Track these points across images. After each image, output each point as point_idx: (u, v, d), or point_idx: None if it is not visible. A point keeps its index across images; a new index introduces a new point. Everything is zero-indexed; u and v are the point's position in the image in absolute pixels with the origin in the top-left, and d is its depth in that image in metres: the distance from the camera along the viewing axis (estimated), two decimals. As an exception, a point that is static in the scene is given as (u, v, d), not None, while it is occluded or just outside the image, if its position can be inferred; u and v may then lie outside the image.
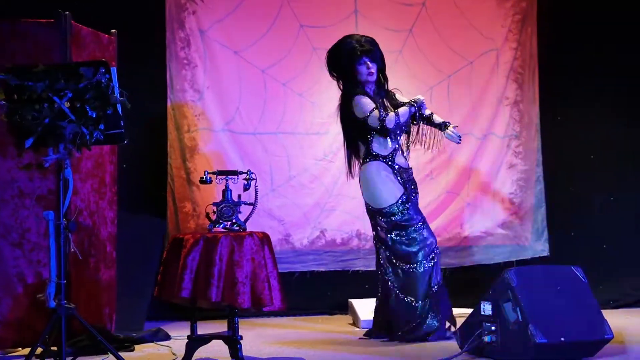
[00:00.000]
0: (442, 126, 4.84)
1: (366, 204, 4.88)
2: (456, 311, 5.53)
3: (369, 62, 4.79)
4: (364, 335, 4.86)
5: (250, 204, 4.22)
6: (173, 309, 5.07)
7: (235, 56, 5.74)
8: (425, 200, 5.91)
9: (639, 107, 6.23)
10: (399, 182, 4.77)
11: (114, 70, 3.71)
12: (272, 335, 4.96)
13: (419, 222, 4.77)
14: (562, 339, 3.84)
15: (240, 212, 4.19)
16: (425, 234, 4.76)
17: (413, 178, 4.86)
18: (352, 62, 4.79)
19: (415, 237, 4.74)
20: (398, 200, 4.75)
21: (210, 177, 4.26)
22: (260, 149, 5.78)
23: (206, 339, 4.11)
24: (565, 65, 6.09)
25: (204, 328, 4.28)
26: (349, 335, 4.95)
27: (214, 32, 5.71)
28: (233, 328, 4.02)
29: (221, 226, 4.16)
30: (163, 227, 5.53)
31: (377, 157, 4.78)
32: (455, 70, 5.98)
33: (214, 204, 4.19)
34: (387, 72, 5.94)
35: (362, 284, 5.80)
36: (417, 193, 4.87)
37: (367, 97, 4.80)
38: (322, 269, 5.82)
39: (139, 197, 5.44)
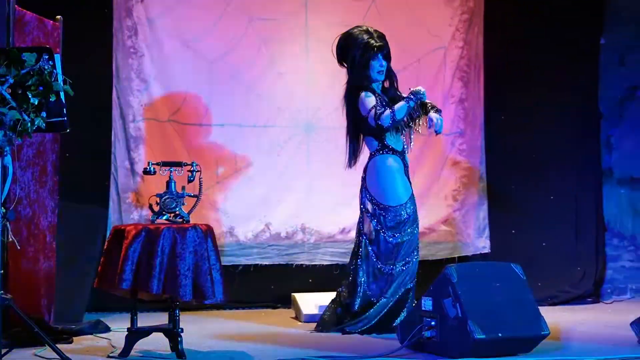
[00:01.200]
0: (429, 108, 4.77)
1: (369, 197, 4.83)
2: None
3: (382, 59, 4.80)
4: (315, 329, 4.87)
5: (194, 196, 4.19)
6: (114, 300, 5.00)
7: (183, 46, 5.69)
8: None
9: (583, 108, 6.37)
10: (408, 181, 4.84)
11: (57, 57, 3.65)
12: (214, 328, 4.94)
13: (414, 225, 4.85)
14: (500, 334, 3.91)
15: (184, 204, 4.16)
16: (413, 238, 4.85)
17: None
18: (366, 56, 4.78)
19: (407, 238, 4.82)
20: (407, 201, 4.80)
21: (153, 168, 4.22)
22: (206, 140, 5.74)
23: (146, 331, 4.08)
24: (511, 64, 6.19)
25: (144, 320, 4.25)
26: (291, 329, 4.96)
27: (163, 21, 5.65)
28: (174, 320, 4.00)
29: (164, 217, 4.13)
30: (105, 217, 5.46)
31: (393, 151, 4.79)
32: (403, 66, 6.00)
33: (157, 195, 4.15)
34: (336, 67, 5.98)
35: (305, 278, 5.82)
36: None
37: (371, 96, 4.80)
38: (266, 262, 5.81)
39: (81, 187, 5.36)
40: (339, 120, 5.95)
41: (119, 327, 4.64)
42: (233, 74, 5.78)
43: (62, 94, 3.66)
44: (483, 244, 6.13)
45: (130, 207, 5.57)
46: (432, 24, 6.05)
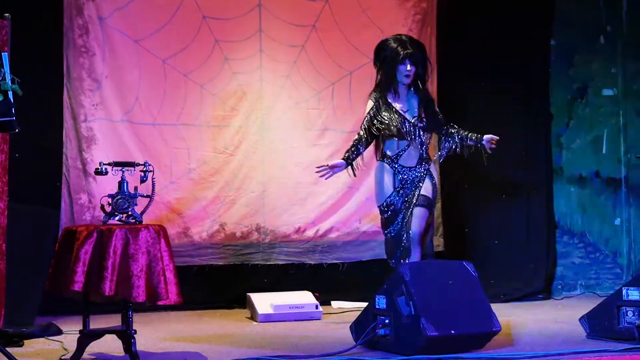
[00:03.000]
0: (478, 143, 4.98)
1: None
2: (353, 305, 5.64)
3: (409, 64, 4.89)
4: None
5: (147, 196, 4.15)
6: (66, 302, 4.93)
7: (135, 45, 5.64)
8: (325, 195, 5.98)
9: (533, 109, 6.47)
10: (397, 181, 4.90)
11: (5, 55, 3.59)
12: (168, 329, 4.91)
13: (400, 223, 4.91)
14: (452, 331, 3.95)
15: (136, 205, 4.12)
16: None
17: (421, 176, 4.90)
18: (394, 60, 4.89)
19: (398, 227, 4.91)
20: (385, 201, 4.91)
21: (105, 168, 4.16)
22: (160, 140, 5.70)
23: (99, 333, 4.03)
24: (463, 65, 6.25)
25: (97, 322, 4.20)
26: (247, 329, 4.95)
27: (114, 20, 5.60)
28: (127, 322, 3.96)
29: (116, 218, 4.08)
30: (57, 219, 5.39)
31: (384, 157, 4.95)
32: (357, 67, 6.04)
33: (109, 195, 4.10)
34: (290, 67, 5.98)
35: (261, 278, 5.81)
36: (418, 194, 4.89)
37: (373, 101, 4.95)
38: (221, 262, 5.79)
39: (31, 188, 5.28)
40: (293, 120, 5.98)
41: (71, 329, 4.58)
42: (186, 73, 5.75)
43: (10, 94, 3.60)
44: (437, 243, 6.17)
45: (82, 208, 5.50)
46: (386, 25, 6.09)
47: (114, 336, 4.02)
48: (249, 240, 5.86)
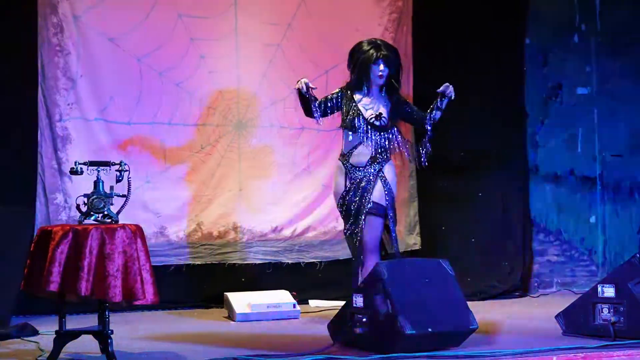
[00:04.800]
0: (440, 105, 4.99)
1: None
2: (330, 304, 5.65)
3: (382, 64, 4.92)
4: None
5: (122, 196, 4.13)
6: (42, 302, 4.90)
7: (110, 43, 5.60)
8: (302, 194, 5.98)
9: (508, 107, 6.51)
10: (347, 180, 4.91)
11: (-22, 54, 3.56)
12: (145, 329, 4.89)
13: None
14: (430, 329, 3.97)
15: (112, 204, 4.10)
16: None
17: (369, 178, 4.89)
18: (366, 60, 4.93)
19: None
20: (338, 201, 4.94)
21: (81, 168, 4.14)
22: (136, 139, 5.66)
23: (75, 333, 4.01)
24: (438, 64, 6.28)
25: (73, 322, 4.18)
26: (224, 329, 4.94)
27: (89, 18, 5.55)
28: (103, 322, 3.94)
29: (92, 218, 4.06)
30: (32, 218, 5.33)
31: (340, 155, 4.99)
32: (333, 65, 6.04)
33: (85, 195, 4.08)
34: (266, 66, 5.97)
35: (238, 277, 5.80)
36: (368, 190, 4.88)
37: (338, 90, 5.00)
38: (198, 262, 5.77)
39: (6, 188, 5.22)
40: (269, 119, 5.98)
41: (47, 330, 4.55)
42: (162, 72, 5.72)
43: (-16, 93, 3.56)
44: (413, 241, 6.21)
45: (58, 208, 5.46)
46: (361, 23, 6.09)
47: (90, 336, 4.00)
48: (225, 239, 5.84)
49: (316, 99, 4.94)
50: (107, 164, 4.16)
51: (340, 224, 6.05)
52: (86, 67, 5.56)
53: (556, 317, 4.55)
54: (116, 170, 4.14)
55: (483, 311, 5.11)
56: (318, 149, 6.04)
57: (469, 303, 4.27)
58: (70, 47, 5.52)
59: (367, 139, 4.92)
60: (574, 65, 6.70)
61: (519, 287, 6.34)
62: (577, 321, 4.43)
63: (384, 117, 4.95)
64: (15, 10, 5.35)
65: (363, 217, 4.85)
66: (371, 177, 4.90)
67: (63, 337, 3.94)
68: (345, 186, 4.92)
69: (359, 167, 4.92)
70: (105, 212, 4.06)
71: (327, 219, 6.04)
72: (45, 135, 5.47)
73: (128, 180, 4.15)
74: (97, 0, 5.58)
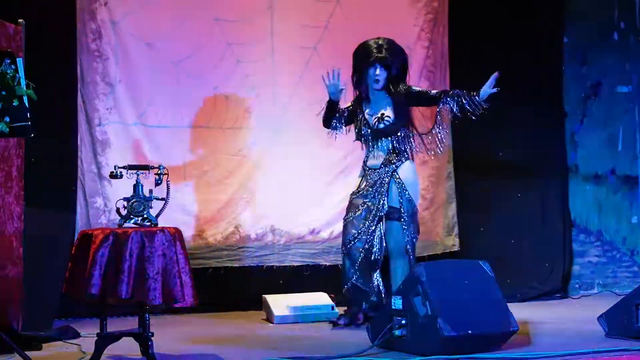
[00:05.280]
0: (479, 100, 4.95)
1: None
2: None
3: (379, 68, 4.95)
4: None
5: (161, 199, 4.16)
6: (83, 305, 4.96)
7: (147, 48, 5.65)
8: (339, 196, 5.97)
9: (547, 107, 6.44)
10: (364, 182, 5.01)
11: (20, 61, 3.62)
12: (185, 331, 4.92)
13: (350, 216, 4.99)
14: (470, 331, 3.93)
15: (151, 207, 4.13)
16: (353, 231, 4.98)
17: (383, 179, 4.94)
18: (363, 64, 5.00)
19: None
20: (350, 195, 5.06)
21: (120, 172, 4.18)
22: (173, 143, 5.71)
23: (116, 336, 4.04)
24: (476, 64, 6.23)
25: (114, 325, 4.22)
26: (263, 331, 4.96)
27: (127, 23, 5.61)
28: (144, 325, 3.97)
29: (132, 221, 4.10)
30: (73, 222, 5.41)
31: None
32: (369, 67, 6.03)
33: (125, 198, 4.12)
34: (302, 69, 5.98)
35: (276, 280, 5.81)
36: (381, 194, 4.93)
37: (348, 107, 5.11)
38: (236, 264, 5.80)
39: (47, 192, 5.29)
40: (306, 122, 5.97)
41: (88, 332, 4.59)
42: (199, 76, 5.76)
43: (25, 99, 3.62)
44: (452, 242, 6.17)
45: (98, 212, 5.52)
46: (397, 25, 6.07)
47: (131, 339, 4.03)
48: (263, 242, 5.86)
49: (341, 111, 5.06)
50: (146, 167, 4.20)
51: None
52: (124, 72, 5.62)
53: (598, 318, 4.48)
54: (155, 174, 4.18)
55: (523, 313, 5.06)
56: (355, 150, 5.99)
57: (509, 304, 4.23)
58: (109, 52, 5.58)
59: (376, 146, 4.97)
60: (614, 63, 6.61)
61: (560, 289, 6.27)
62: (620, 323, 4.36)
63: (387, 116, 4.95)
64: (54, 17, 5.42)
65: (383, 224, 4.89)
66: (385, 179, 4.94)
67: (104, 339, 3.98)
68: (360, 187, 5.01)
69: (375, 170, 4.99)
70: (145, 216, 4.09)
71: (364, 221, 6.02)
72: (84, 140, 5.54)
73: (167, 184, 4.18)
74: (135, 6, 5.63)
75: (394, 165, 4.95)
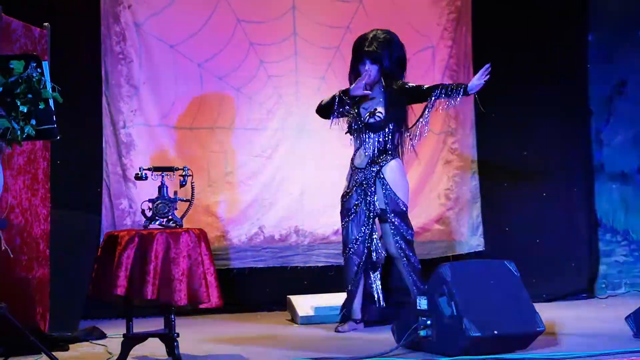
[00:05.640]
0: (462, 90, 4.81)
1: None
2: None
3: (368, 64, 4.91)
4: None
5: (186, 201, 4.18)
6: (109, 306, 4.99)
7: (171, 50, 5.68)
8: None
9: (572, 105, 6.39)
10: (350, 182, 4.97)
11: (45, 64, 3.64)
12: (210, 332, 4.94)
13: (346, 220, 4.96)
14: (496, 332, 3.91)
15: (176, 209, 4.16)
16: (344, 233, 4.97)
17: (369, 179, 4.91)
18: (354, 60, 4.98)
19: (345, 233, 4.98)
20: (340, 199, 4.99)
21: (145, 173, 4.21)
22: (197, 144, 5.73)
23: (142, 337, 4.06)
24: (500, 63, 6.17)
25: (140, 325, 4.24)
26: (287, 331, 4.96)
27: (150, 25, 5.65)
28: (169, 325, 3.99)
29: (157, 223, 4.12)
30: (98, 224, 5.44)
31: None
32: (393, 67, 6.02)
33: (150, 200, 4.14)
34: (325, 69, 5.97)
35: (300, 280, 5.81)
36: (368, 194, 4.90)
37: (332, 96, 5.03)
38: (260, 265, 5.81)
39: (73, 194, 5.35)
40: (329, 122, 5.96)
41: (114, 333, 4.63)
42: (222, 77, 5.78)
43: (51, 102, 3.65)
44: (477, 242, 6.14)
45: (123, 213, 5.55)
46: (420, 24, 6.06)
47: (157, 339, 4.05)
48: (287, 242, 5.87)
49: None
50: (170, 169, 4.23)
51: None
52: (148, 73, 5.65)
53: (626, 318, 4.43)
54: (180, 176, 4.20)
55: (549, 313, 5.02)
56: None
57: (535, 304, 4.19)
58: (133, 54, 5.62)
59: (364, 141, 4.93)
60: (640, 60, 6.54)
61: (586, 289, 6.22)
62: (648, 323, 4.32)
63: (379, 112, 4.91)
64: (79, 20, 5.47)
65: (377, 227, 4.89)
66: (371, 179, 4.91)
67: (130, 340, 4.01)
68: (348, 187, 4.97)
69: (360, 169, 4.95)
70: (170, 217, 4.11)
71: (388, 221, 6.01)
72: (109, 142, 5.57)
73: (191, 185, 4.20)
74: (158, 7, 5.67)
75: (378, 165, 4.91)
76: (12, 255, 3.91)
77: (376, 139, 4.92)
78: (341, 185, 5.95)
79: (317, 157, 5.92)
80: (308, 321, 5.16)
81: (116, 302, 4.12)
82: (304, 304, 5.29)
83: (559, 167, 6.29)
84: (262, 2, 5.87)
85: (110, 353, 4.23)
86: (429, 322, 4.02)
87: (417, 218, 6.06)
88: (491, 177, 6.16)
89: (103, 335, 4.68)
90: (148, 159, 5.45)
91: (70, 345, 4.42)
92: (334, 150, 5.94)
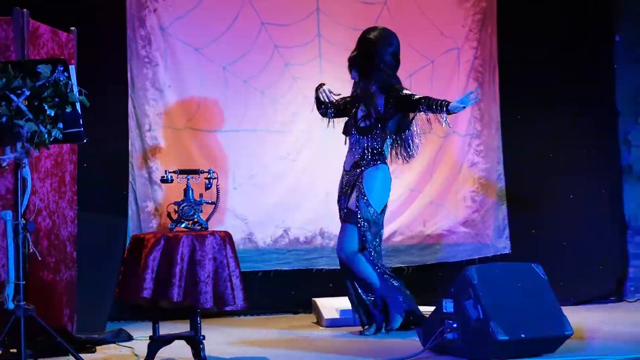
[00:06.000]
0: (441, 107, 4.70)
1: None
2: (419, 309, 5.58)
3: (354, 72, 5.00)
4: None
5: (212, 203, 4.20)
6: (135, 309, 5.02)
7: (196, 53, 5.70)
8: (389, 199, 5.94)
9: (599, 105, 6.33)
10: (339, 185, 5.01)
11: (72, 68, 3.68)
12: (236, 334, 4.94)
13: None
14: (523, 335, 3.88)
15: (202, 211, 4.17)
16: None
17: (352, 183, 4.90)
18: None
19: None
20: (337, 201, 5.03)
21: (171, 176, 4.23)
22: (222, 147, 5.74)
23: (168, 339, 4.08)
24: (526, 64, 6.16)
25: (166, 328, 4.26)
26: (313, 334, 4.95)
27: (175, 29, 5.67)
28: (195, 328, 4.00)
29: (183, 225, 4.14)
30: (124, 226, 5.48)
31: None
32: (417, 69, 6.01)
33: (175, 203, 4.16)
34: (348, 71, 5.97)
35: (325, 283, 5.80)
36: (349, 195, 4.90)
37: (346, 97, 5.08)
38: (285, 267, 5.81)
39: (99, 197, 5.38)
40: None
41: (141, 335, 4.65)
42: (247, 79, 5.79)
43: (78, 105, 3.67)
44: (503, 245, 6.10)
45: (149, 216, 5.58)
46: (445, 25, 6.04)
47: (182, 342, 4.07)
48: (313, 245, 5.86)
49: (331, 104, 5.06)
50: (196, 172, 4.24)
51: (427, 229, 6.02)
52: (173, 77, 5.67)
53: (656, 322, 4.39)
54: (205, 178, 4.22)
55: (577, 316, 4.97)
56: (404, 152, 6.00)
57: (563, 308, 4.15)
58: (158, 58, 5.64)
59: (352, 144, 4.95)
60: (668, 61, 6.46)
61: (614, 292, 6.16)
62: (678, 327, 4.26)
63: (362, 118, 4.89)
64: (105, 24, 5.50)
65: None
66: (353, 182, 4.91)
67: (157, 342, 4.02)
68: (339, 191, 5.00)
69: (347, 172, 4.98)
70: (195, 219, 4.13)
71: (413, 224, 5.99)
72: (135, 145, 5.60)
73: (217, 188, 4.21)
74: (183, 11, 5.69)
75: (359, 170, 4.90)
76: (40, 258, 3.94)
77: (364, 143, 4.92)
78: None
79: (342, 159, 5.88)
80: (334, 324, 5.15)
81: (142, 304, 4.14)
82: (330, 306, 5.28)
83: (586, 169, 6.23)
84: (287, 4, 5.87)
85: (136, 355, 4.25)
86: (455, 325, 4.00)
87: (443, 220, 6.04)
88: (517, 179, 6.12)
89: (130, 338, 4.70)
90: (173, 162, 5.46)
91: (97, 347, 4.44)
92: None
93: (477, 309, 3.92)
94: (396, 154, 5.00)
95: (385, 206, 4.98)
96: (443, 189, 6.02)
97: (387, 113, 4.87)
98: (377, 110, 4.88)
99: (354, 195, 4.88)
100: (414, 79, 6.02)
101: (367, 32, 5.01)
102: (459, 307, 4.00)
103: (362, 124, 4.91)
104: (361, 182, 4.87)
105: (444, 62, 6.07)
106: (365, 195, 4.85)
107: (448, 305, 4.06)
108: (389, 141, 4.95)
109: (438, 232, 6.02)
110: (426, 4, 6.04)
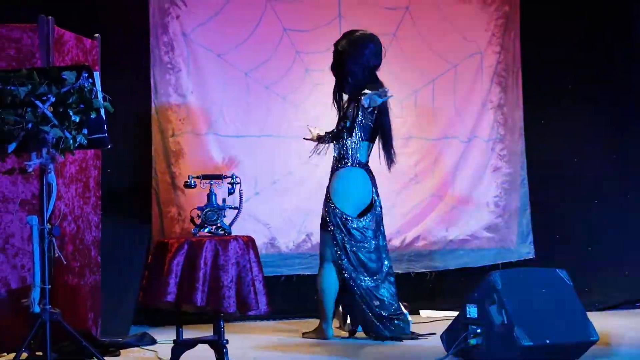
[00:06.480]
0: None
1: None
2: (442, 314, 5.56)
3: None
4: None
5: (234, 208, 4.21)
6: (159, 313, 5.04)
7: (218, 59, 5.73)
8: (411, 204, 5.94)
9: (623, 110, 6.28)
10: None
11: (97, 74, 3.71)
12: (259, 339, 4.95)
13: None
14: (548, 341, 3.85)
15: (225, 216, 4.19)
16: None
17: (328, 184, 4.98)
18: None
19: None
20: None
21: (194, 181, 4.25)
22: (244, 152, 5.76)
23: (192, 343, 4.10)
24: (549, 68, 6.13)
25: (190, 332, 4.27)
26: (336, 339, 4.94)
27: (197, 35, 5.70)
28: (219, 332, 4.01)
29: (206, 230, 4.16)
30: (148, 231, 5.50)
31: None
32: (440, 73, 6.00)
33: (199, 208, 4.18)
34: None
35: (348, 288, 5.78)
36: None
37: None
38: (308, 272, 5.80)
39: (123, 202, 5.41)
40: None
41: (164, 339, 4.66)
42: (268, 85, 5.81)
43: (102, 111, 3.70)
44: (527, 250, 6.07)
45: (172, 221, 5.60)
46: (468, 30, 6.02)
47: (206, 346, 4.08)
48: (335, 250, 5.85)
49: (322, 138, 5.07)
50: (219, 177, 4.26)
51: (450, 234, 6.00)
52: (196, 83, 5.70)
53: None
54: (228, 183, 4.23)
55: (603, 322, 4.92)
56: (426, 158, 5.99)
57: (588, 313, 4.12)
58: (181, 64, 5.67)
59: (334, 146, 4.99)
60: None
61: (641, 298, 6.10)
62: None
63: (347, 120, 4.90)
64: (128, 31, 5.54)
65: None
66: (329, 186, 4.94)
67: (180, 346, 4.04)
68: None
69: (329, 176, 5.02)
70: (219, 224, 4.15)
71: (436, 229, 5.98)
72: (158, 150, 5.63)
73: (240, 193, 4.23)
74: (205, 17, 5.72)
75: (332, 174, 4.96)
76: (65, 262, 3.97)
77: (336, 149, 4.98)
78: (386, 192, 5.95)
79: (364, 164, 5.89)
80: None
81: (166, 308, 4.16)
82: (352, 311, 5.26)
83: (610, 173, 6.18)
84: (309, 11, 5.89)
85: (160, 359, 4.27)
86: (479, 330, 3.98)
87: (466, 226, 6.01)
88: (541, 184, 6.09)
89: (153, 341, 4.72)
90: (196, 167, 5.48)
91: (122, 351, 4.46)
92: (381, 158, 5.92)
93: (501, 314, 3.89)
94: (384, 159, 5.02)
95: (370, 210, 4.92)
96: (466, 194, 6.00)
97: (353, 119, 4.90)
98: (345, 116, 4.93)
99: (324, 200, 4.92)
100: (436, 84, 6.01)
101: (339, 40, 5.04)
102: (483, 312, 3.98)
103: (334, 131, 4.97)
104: (328, 186, 4.92)
105: (467, 67, 6.05)
106: (330, 199, 4.89)
107: (472, 311, 4.04)
108: (364, 144, 4.92)
109: (461, 237, 6.00)
110: (448, 9, 6.03)
